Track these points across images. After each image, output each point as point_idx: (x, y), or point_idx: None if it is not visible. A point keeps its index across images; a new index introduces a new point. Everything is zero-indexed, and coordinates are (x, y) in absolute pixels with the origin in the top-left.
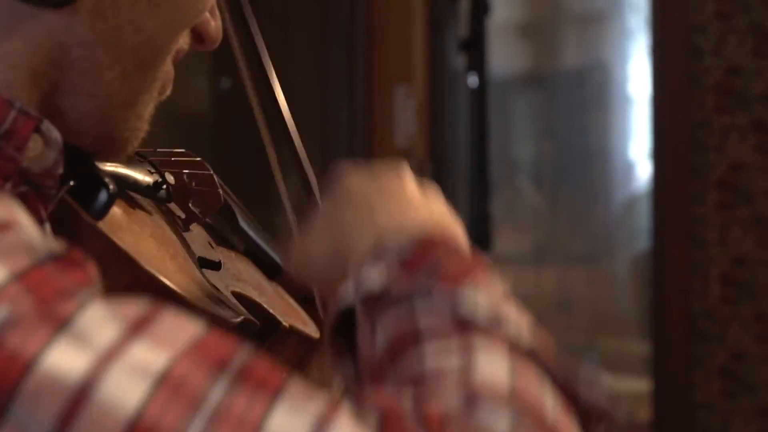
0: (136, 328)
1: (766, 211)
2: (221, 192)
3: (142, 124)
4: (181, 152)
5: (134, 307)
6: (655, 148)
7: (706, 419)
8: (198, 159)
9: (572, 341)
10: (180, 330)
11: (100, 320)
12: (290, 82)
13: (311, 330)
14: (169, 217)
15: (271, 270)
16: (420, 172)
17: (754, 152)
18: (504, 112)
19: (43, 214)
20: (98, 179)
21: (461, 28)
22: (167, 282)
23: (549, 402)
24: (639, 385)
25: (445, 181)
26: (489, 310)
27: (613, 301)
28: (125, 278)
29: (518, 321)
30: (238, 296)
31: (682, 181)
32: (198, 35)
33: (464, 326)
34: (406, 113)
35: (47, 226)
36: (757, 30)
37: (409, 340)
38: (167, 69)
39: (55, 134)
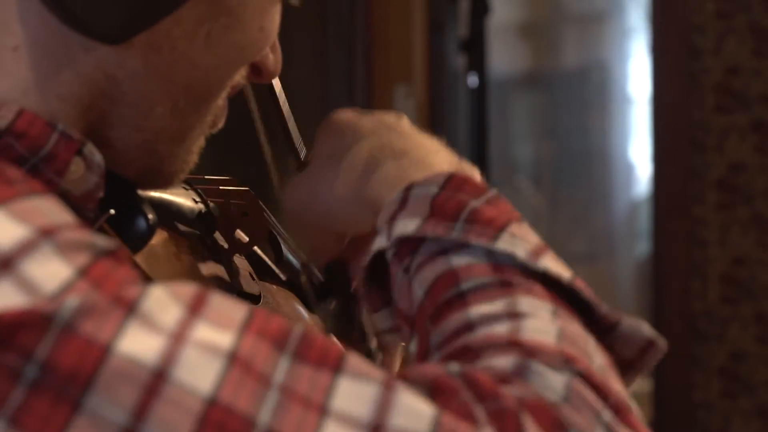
0: (195, 309)
1: (766, 211)
2: (268, 223)
3: (190, 158)
4: (228, 180)
5: (186, 288)
6: (654, 148)
7: (706, 419)
8: (246, 189)
9: None
10: (232, 309)
11: (163, 302)
12: (290, 81)
13: None
14: (212, 248)
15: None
16: None
17: (753, 152)
18: (504, 112)
19: None
20: (139, 209)
21: (461, 28)
22: None
23: (594, 353)
24: (639, 385)
25: None
26: (527, 253)
27: (613, 302)
28: None
29: (554, 260)
30: None
31: (682, 182)
32: (256, 68)
33: (504, 271)
34: (406, 113)
35: None
36: (757, 30)
37: (449, 283)
38: (221, 104)
39: (98, 158)
